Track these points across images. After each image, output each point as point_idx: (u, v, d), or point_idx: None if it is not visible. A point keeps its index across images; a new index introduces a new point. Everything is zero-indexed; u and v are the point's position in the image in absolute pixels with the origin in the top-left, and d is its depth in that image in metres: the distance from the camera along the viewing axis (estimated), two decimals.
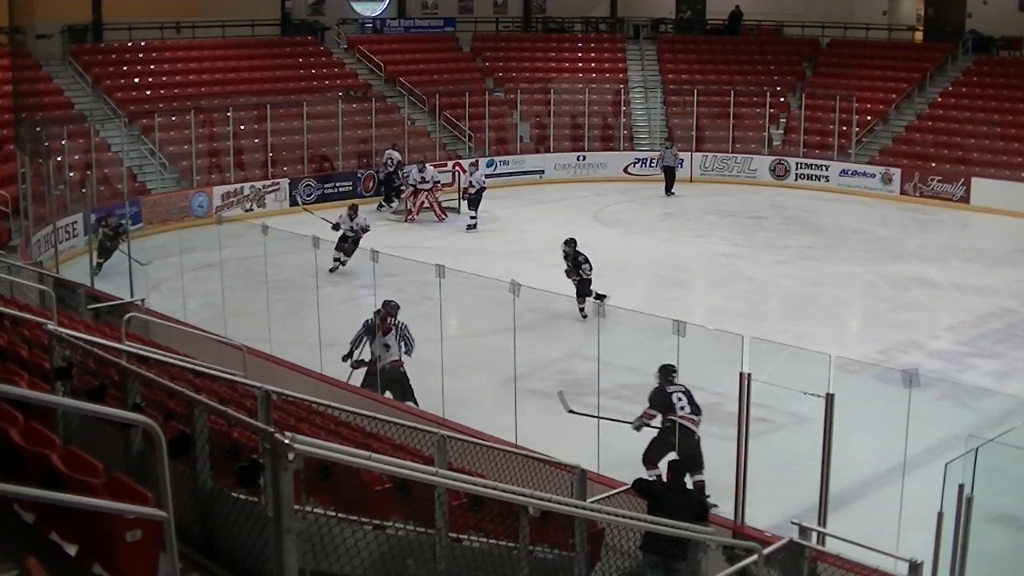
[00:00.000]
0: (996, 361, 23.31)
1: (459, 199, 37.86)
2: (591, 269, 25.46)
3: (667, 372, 17.03)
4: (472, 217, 35.66)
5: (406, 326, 19.36)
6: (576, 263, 25.58)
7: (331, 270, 28.18)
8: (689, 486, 12.28)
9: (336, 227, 29.50)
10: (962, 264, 31.28)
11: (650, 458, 16.68)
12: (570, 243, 25.93)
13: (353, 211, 30.20)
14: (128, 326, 15.20)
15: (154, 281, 26.13)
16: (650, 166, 44.04)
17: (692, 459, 16.04)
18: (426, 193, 36.75)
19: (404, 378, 19.22)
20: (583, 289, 25.32)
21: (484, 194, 36.21)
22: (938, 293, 28.30)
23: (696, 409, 16.82)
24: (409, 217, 36.63)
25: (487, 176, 39.60)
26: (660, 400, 16.96)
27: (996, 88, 43.93)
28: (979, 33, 46.57)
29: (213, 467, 7.64)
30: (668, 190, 41.32)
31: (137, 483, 6.43)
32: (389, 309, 19.51)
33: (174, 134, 38.22)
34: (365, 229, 29.90)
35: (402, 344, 19.26)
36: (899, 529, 12.53)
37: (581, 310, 25.14)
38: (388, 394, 19.07)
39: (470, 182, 36.65)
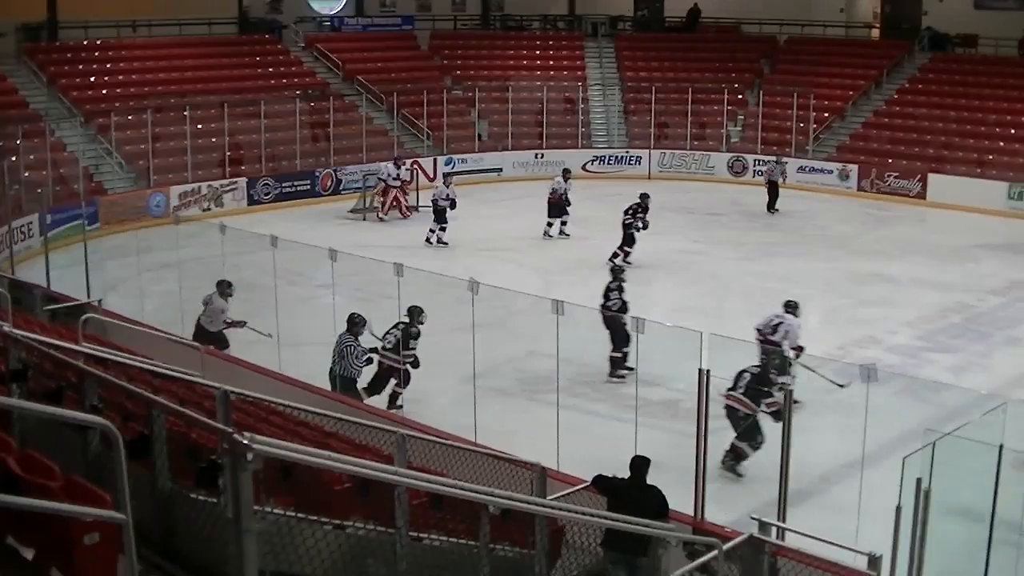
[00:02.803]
0: (953, 356, 23.46)
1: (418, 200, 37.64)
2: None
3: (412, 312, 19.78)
4: (443, 230, 33.65)
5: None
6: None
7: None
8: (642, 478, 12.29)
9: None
10: (920, 259, 31.43)
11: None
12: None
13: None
14: (85, 327, 15.11)
15: (111, 281, 26.01)
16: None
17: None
18: (396, 190, 36.71)
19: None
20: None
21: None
22: (896, 288, 28.43)
23: (393, 344, 19.67)
24: (380, 214, 36.61)
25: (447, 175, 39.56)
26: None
27: (952, 85, 44.29)
28: (935, 31, 46.94)
29: (172, 468, 7.61)
30: (771, 207, 38.48)
31: (95, 485, 6.40)
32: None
33: (131, 133, 38.00)
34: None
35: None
36: (858, 523, 12.59)
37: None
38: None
39: (446, 194, 33.90)
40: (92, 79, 40.58)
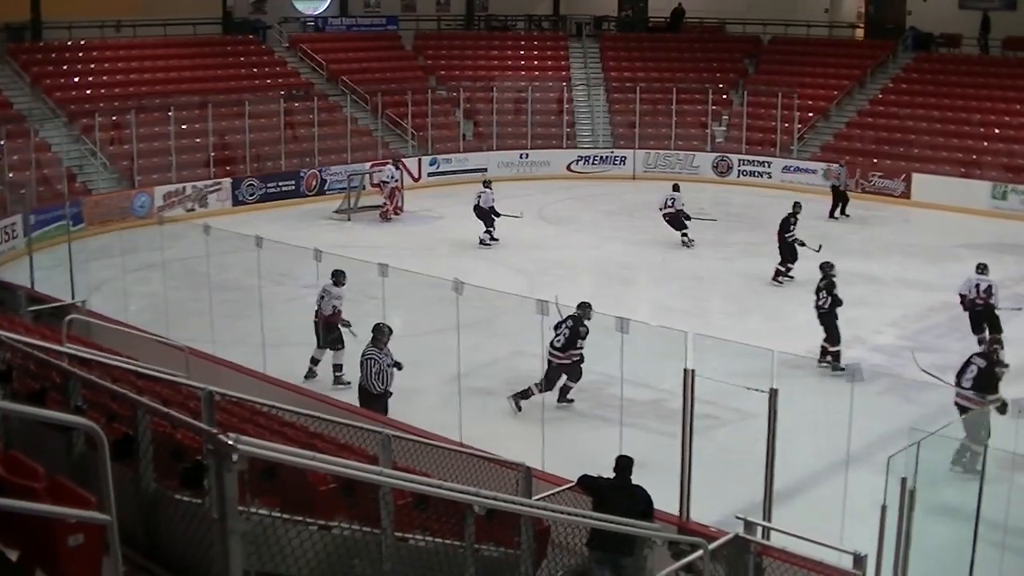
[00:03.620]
0: (938, 355, 23.43)
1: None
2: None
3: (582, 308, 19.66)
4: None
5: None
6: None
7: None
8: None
9: None
10: (904, 259, 31.46)
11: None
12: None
13: None
14: (69, 328, 15.10)
15: (96, 282, 25.96)
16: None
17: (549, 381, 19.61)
18: (396, 190, 37.13)
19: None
20: None
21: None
22: (880, 288, 28.45)
23: (563, 343, 19.54)
24: (390, 214, 37.02)
25: (432, 175, 39.87)
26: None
27: (936, 85, 44.39)
28: (919, 30, 47.04)
29: (157, 469, 7.60)
30: (843, 211, 37.88)
31: (79, 486, 6.38)
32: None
33: (115, 134, 37.93)
34: None
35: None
36: (843, 522, 12.60)
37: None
38: None
39: (492, 200, 33.77)
40: (76, 79, 40.49)
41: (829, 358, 21.78)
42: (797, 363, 19.71)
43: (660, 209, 33.50)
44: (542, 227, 35.92)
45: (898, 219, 37.67)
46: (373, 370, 18.08)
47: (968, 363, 17.82)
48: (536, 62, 50.48)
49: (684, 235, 33.24)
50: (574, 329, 19.66)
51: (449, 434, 16.08)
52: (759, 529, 10.85)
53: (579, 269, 30.73)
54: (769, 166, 43.35)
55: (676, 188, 34.18)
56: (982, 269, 23.34)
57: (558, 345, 19.71)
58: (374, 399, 18.13)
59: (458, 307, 17.83)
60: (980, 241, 33.71)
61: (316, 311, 21.62)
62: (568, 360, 19.78)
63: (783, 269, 28.93)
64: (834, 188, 38.25)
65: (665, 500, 12.65)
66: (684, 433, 13.27)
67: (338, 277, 21.47)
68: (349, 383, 20.21)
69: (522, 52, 51.50)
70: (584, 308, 19.79)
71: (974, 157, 40.27)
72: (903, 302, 27.14)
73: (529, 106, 46.27)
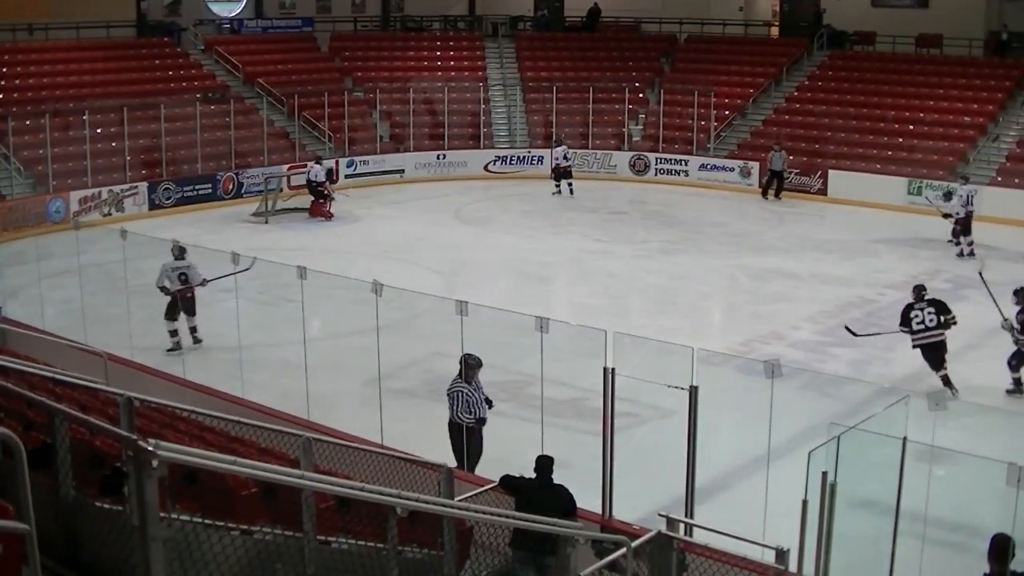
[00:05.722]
0: (855, 350, 23.64)
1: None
2: None
3: (917, 291, 21.01)
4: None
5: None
6: None
7: None
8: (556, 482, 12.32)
9: None
10: (820, 255, 31.71)
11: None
12: None
13: None
14: None
15: (11, 288, 25.68)
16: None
17: (935, 360, 20.52)
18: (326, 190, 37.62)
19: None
20: None
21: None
22: (798, 284, 28.67)
23: (936, 322, 20.48)
24: (327, 213, 37.28)
25: (349, 176, 40.01)
26: (903, 317, 20.98)
27: (851, 82, 44.72)
28: (833, 28, 47.48)
29: (76, 477, 7.52)
30: (777, 194, 40.47)
31: None
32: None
33: (28, 138, 37.47)
34: None
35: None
36: (765, 517, 12.67)
37: None
38: None
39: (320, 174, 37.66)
40: None
41: None
42: (716, 360, 19.80)
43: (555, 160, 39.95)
44: (459, 228, 35.91)
45: (814, 215, 37.97)
46: (461, 403, 16.86)
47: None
48: (452, 63, 50.43)
49: (559, 187, 39.38)
50: (938, 304, 20.76)
51: (370, 436, 16.05)
52: (681, 526, 10.89)
53: (497, 269, 30.74)
54: (686, 164, 43.54)
55: (559, 143, 40.42)
56: (966, 180, 27.78)
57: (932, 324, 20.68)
58: (468, 433, 16.86)
59: (377, 309, 17.80)
60: (895, 236, 34.06)
61: (181, 288, 22.79)
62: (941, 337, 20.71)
63: None
64: (773, 172, 40.13)
65: (587, 499, 12.68)
66: (605, 431, 13.32)
67: (182, 251, 22.89)
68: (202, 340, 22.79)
69: (438, 53, 51.41)
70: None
71: (889, 153, 40.73)
72: (820, 298, 27.34)
73: (446, 106, 46.23)
